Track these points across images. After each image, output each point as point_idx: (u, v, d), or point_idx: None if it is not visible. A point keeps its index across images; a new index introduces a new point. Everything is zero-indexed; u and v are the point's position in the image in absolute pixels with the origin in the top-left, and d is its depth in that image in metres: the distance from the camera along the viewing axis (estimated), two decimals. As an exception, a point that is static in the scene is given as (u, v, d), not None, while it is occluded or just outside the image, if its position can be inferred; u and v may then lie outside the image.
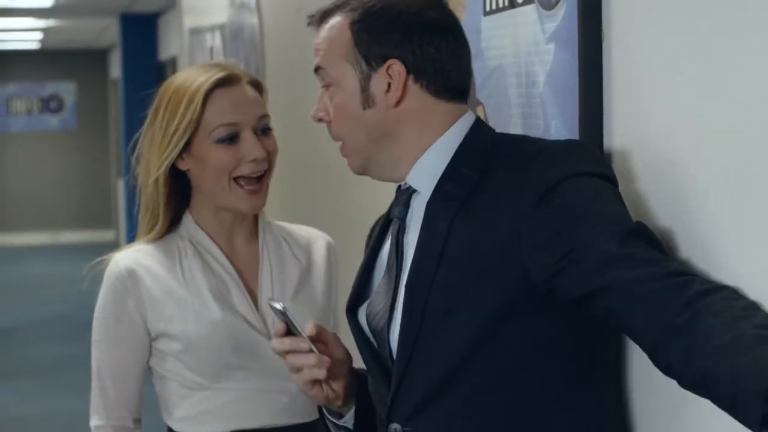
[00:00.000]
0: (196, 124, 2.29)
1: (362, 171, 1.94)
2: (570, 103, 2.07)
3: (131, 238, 2.46)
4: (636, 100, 1.90)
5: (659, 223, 1.80)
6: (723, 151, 1.65)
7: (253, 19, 5.58)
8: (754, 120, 1.57)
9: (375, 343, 1.93)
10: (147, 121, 2.37)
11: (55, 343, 10.31)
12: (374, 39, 1.86)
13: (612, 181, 1.80)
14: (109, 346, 2.36)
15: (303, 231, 2.51)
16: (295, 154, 4.30)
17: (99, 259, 2.41)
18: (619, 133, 1.96)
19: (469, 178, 1.84)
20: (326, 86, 1.91)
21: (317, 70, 1.92)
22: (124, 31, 12.83)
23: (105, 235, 17.26)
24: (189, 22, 8.25)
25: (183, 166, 2.34)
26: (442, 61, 1.88)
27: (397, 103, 1.87)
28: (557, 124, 2.12)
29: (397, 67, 1.86)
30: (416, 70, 1.87)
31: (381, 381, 1.90)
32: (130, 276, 2.33)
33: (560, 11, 2.09)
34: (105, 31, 14.65)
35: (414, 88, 1.87)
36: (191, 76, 2.33)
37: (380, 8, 1.88)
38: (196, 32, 7.75)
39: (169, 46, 11.45)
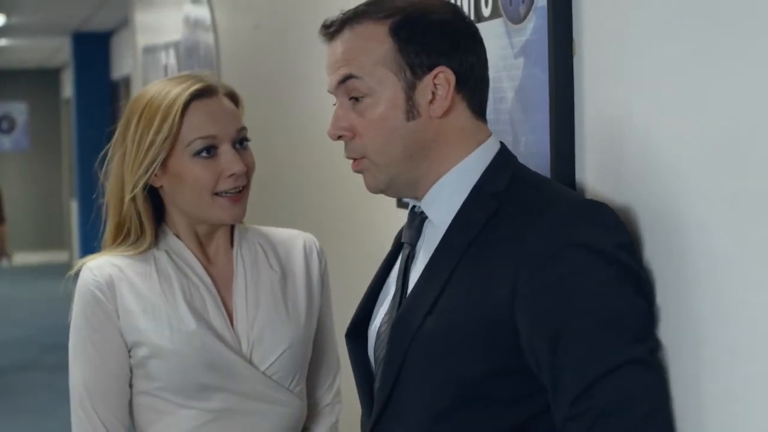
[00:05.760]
0: (174, 139, 2.18)
1: (382, 188, 1.80)
2: (540, 119, 2.02)
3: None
4: (608, 114, 1.86)
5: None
6: (701, 166, 1.62)
7: (209, 37, 5.53)
8: (732, 135, 1.53)
9: (375, 373, 1.83)
10: (116, 135, 2.25)
11: (11, 368, 10.16)
12: (421, 46, 1.73)
13: (626, 248, 1.66)
14: (92, 360, 2.20)
15: (282, 235, 2.38)
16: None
17: (73, 270, 2.28)
18: (591, 148, 1.92)
19: (478, 221, 1.72)
20: (355, 98, 1.76)
21: (345, 80, 1.76)
22: (77, 50, 12.75)
23: (58, 256, 17.10)
24: (142, 40, 8.19)
25: (156, 183, 2.22)
26: (481, 73, 1.78)
27: (444, 114, 1.75)
28: (527, 140, 2.08)
29: (445, 74, 1.73)
30: (461, 80, 1.75)
31: (367, 417, 1.81)
32: (108, 283, 2.20)
33: (529, 24, 2.05)
34: (57, 51, 14.53)
35: (457, 98, 1.75)
36: (165, 88, 2.21)
37: (421, 14, 1.75)
38: (150, 50, 7.69)
39: (122, 65, 11.37)
